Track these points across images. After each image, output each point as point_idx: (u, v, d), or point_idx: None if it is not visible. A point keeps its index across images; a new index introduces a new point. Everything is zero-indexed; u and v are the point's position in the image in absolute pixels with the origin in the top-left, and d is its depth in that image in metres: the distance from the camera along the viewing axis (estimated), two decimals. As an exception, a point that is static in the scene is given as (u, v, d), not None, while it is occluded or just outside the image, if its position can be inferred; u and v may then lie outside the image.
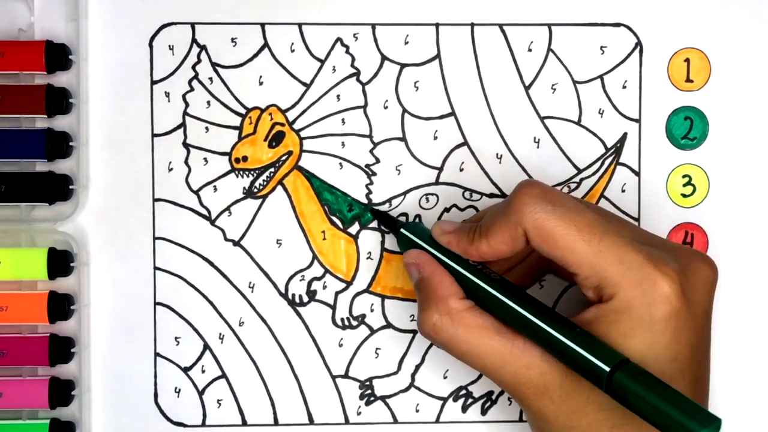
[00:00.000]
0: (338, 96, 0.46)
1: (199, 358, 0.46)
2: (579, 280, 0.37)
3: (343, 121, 0.46)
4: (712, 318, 0.39)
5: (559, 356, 0.36)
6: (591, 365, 0.35)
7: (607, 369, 0.34)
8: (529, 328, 0.37)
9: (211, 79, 0.46)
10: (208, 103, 0.46)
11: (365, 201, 0.46)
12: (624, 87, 0.46)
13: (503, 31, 0.46)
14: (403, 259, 0.42)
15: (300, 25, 0.46)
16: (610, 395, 0.35)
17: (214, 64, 0.46)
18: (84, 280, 0.45)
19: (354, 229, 0.46)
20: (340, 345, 0.46)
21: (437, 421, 0.46)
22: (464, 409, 0.46)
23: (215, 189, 0.46)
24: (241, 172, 0.46)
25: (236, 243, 0.46)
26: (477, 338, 0.38)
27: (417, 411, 0.46)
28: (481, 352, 0.38)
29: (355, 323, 0.46)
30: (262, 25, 0.46)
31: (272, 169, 0.46)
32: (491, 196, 0.46)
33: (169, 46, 0.46)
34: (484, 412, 0.46)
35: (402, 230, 0.43)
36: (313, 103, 0.46)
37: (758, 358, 0.46)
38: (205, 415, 0.46)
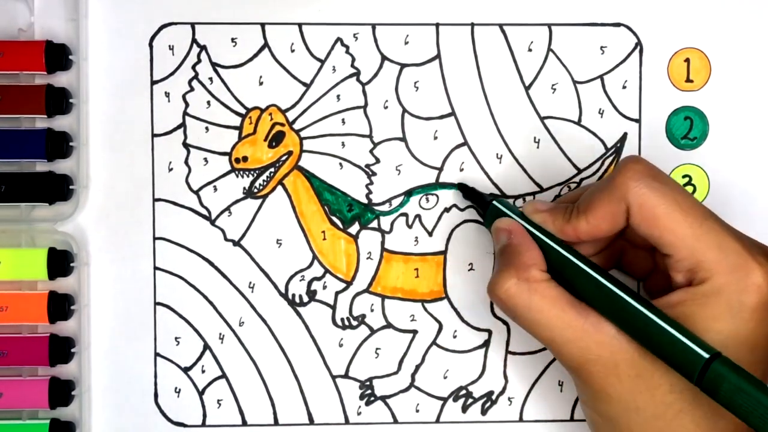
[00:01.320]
0: (338, 96, 0.46)
1: (199, 358, 0.46)
2: (672, 261, 0.37)
3: (343, 121, 0.46)
4: None
5: (642, 339, 0.36)
6: (687, 352, 0.35)
7: (706, 356, 0.34)
8: (618, 307, 0.37)
9: (211, 79, 0.46)
10: (208, 103, 0.46)
11: (365, 201, 0.46)
12: (624, 87, 0.46)
13: (503, 31, 0.46)
14: (493, 226, 0.41)
15: (300, 25, 0.46)
16: (697, 385, 0.34)
17: (214, 64, 0.46)
18: (84, 280, 0.45)
19: (354, 229, 0.46)
20: (340, 345, 0.46)
21: (437, 421, 0.46)
22: (464, 409, 0.46)
23: (215, 189, 0.46)
24: (241, 172, 0.46)
25: (236, 243, 0.46)
26: (551, 309, 0.37)
27: (417, 411, 0.46)
28: (552, 324, 0.37)
29: (355, 323, 0.46)
30: (262, 25, 0.46)
31: (272, 169, 0.46)
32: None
33: (169, 46, 0.46)
34: (484, 412, 0.46)
35: (494, 202, 0.42)
36: (313, 103, 0.46)
37: None
38: (205, 415, 0.46)
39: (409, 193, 0.46)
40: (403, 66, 0.46)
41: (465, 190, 0.45)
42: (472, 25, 0.46)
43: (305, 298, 0.46)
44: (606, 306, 0.37)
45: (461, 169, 0.46)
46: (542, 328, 0.38)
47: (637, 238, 0.41)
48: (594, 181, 0.46)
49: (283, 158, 0.46)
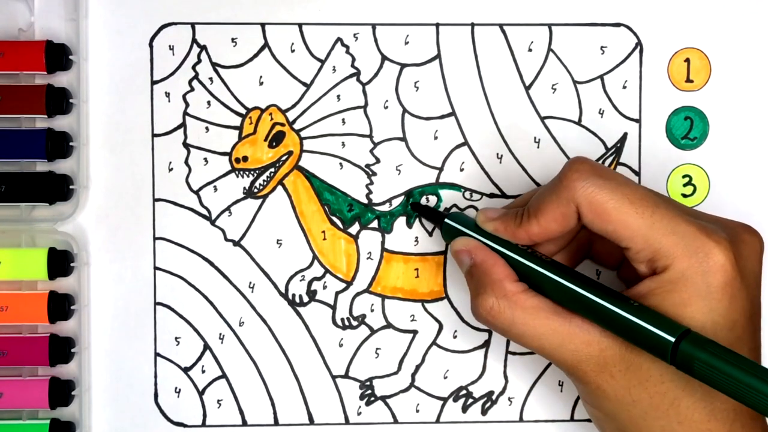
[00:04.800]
0: (338, 96, 0.46)
1: (199, 358, 0.46)
2: (631, 254, 0.37)
3: (343, 121, 0.46)
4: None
5: (618, 332, 0.36)
6: (654, 337, 0.35)
7: (672, 339, 0.34)
8: (587, 306, 0.37)
9: (211, 79, 0.46)
10: (209, 103, 0.46)
11: (365, 201, 0.46)
12: (624, 87, 0.46)
13: (503, 31, 0.46)
14: (450, 249, 0.41)
15: (300, 25, 0.46)
16: (675, 366, 0.35)
17: (214, 64, 0.46)
18: (84, 280, 0.45)
19: (354, 229, 0.46)
20: (341, 345, 0.46)
21: (437, 421, 0.46)
22: (464, 409, 0.46)
23: (215, 189, 0.46)
24: (242, 172, 0.46)
25: (236, 243, 0.46)
26: (535, 319, 0.38)
27: (417, 411, 0.46)
28: (539, 333, 0.38)
29: (355, 323, 0.46)
30: (262, 25, 0.46)
31: (272, 169, 0.46)
32: (491, 196, 0.46)
33: (170, 46, 0.46)
34: (484, 412, 0.46)
35: (446, 220, 0.42)
36: (314, 103, 0.46)
37: None
38: (205, 415, 0.46)
39: (409, 194, 0.46)
40: (403, 66, 0.46)
41: (417, 208, 0.45)
42: (472, 25, 0.46)
43: (305, 298, 0.46)
44: (577, 306, 0.38)
45: (461, 169, 0.46)
46: (530, 338, 0.38)
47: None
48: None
49: (283, 158, 0.46)
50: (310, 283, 0.46)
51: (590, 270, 0.46)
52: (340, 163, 0.46)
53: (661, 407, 0.37)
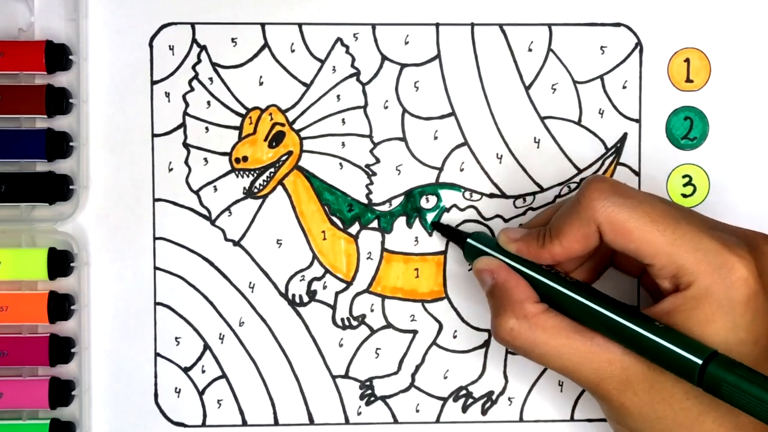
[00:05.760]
0: (338, 96, 0.46)
1: (199, 358, 0.46)
2: (654, 270, 0.37)
3: (343, 121, 0.46)
4: None
5: (644, 353, 0.36)
6: (681, 360, 0.35)
7: (700, 362, 0.34)
8: (610, 327, 0.37)
9: (211, 79, 0.46)
10: (208, 103, 0.46)
11: (365, 201, 0.46)
12: (624, 87, 0.46)
13: (503, 31, 0.46)
14: (473, 267, 0.42)
15: (300, 25, 0.46)
16: (702, 388, 0.35)
17: (214, 64, 0.46)
18: (84, 280, 0.45)
19: (354, 229, 0.46)
20: (340, 345, 0.46)
21: (437, 421, 0.46)
22: (464, 409, 0.46)
23: (215, 189, 0.46)
24: (242, 172, 0.46)
25: (236, 243, 0.46)
26: (556, 339, 0.38)
27: (417, 411, 0.46)
28: (561, 353, 0.38)
29: (355, 323, 0.46)
30: (262, 25, 0.46)
31: (272, 169, 0.46)
32: (491, 196, 0.46)
33: (170, 46, 0.46)
34: (484, 412, 0.46)
35: (468, 240, 0.43)
36: (313, 103, 0.46)
37: None
38: (205, 415, 0.46)
39: (409, 194, 0.46)
40: (403, 66, 0.46)
41: (440, 228, 0.45)
42: (472, 25, 0.46)
43: (305, 298, 0.46)
44: (599, 326, 0.38)
45: (461, 169, 0.46)
46: (552, 358, 0.38)
47: None
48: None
49: (283, 158, 0.46)
50: (310, 283, 0.46)
51: (612, 276, 0.45)
52: (340, 163, 0.46)
53: (685, 423, 0.37)
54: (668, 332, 0.36)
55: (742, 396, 0.33)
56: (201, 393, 0.46)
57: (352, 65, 0.46)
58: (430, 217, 0.46)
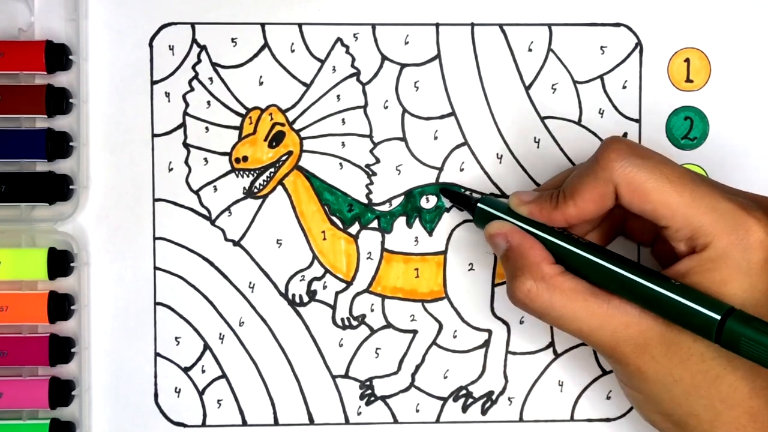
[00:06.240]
0: (338, 96, 0.46)
1: (199, 358, 0.46)
2: (670, 232, 0.37)
3: (343, 121, 0.46)
4: None
5: (661, 312, 0.36)
6: (699, 316, 0.35)
7: (718, 317, 0.34)
8: (628, 287, 0.37)
9: (211, 79, 0.46)
10: (209, 103, 0.46)
11: (365, 201, 0.46)
12: (624, 87, 0.46)
13: (503, 31, 0.46)
14: (485, 232, 0.41)
15: (300, 25, 0.46)
16: (720, 345, 0.35)
17: (214, 64, 0.46)
18: (84, 280, 0.45)
19: (354, 229, 0.46)
20: (340, 345, 0.46)
21: (437, 421, 0.46)
22: (464, 409, 0.46)
23: (215, 189, 0.46)
24: (242, 172, 0.46)
25: (236, 243, 0.46)
26: (573, 301, 0.38)
27: (417, 411, 0.46)
28: (578, 315, 0.38)
29: (355, 323, 0.46)
30: (262, 25, 0.46)
31: (272, 169, 0.46)
32: (491, 195, 0.46)
33: (170, 46, 0.46)
34: (484, 412, 0.46)
35: (479, 205, 0.42)
36: (313, 103, 0.46)
37: None
38: (205, 415, 0.46)
39: (409, 194, 0.46)
40: (403, 66, 0.46)
41: (448, 194, 0.45)
42: (472, 25, 0.46)
43: (305, 298, 0.46)
44: (617, 287, 0.37)
45: (461, 169, 0.46)
46: (568, 321, 0.38)
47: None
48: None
49: (283, 158, 0.46)
50: (310, 283, 0.46)
51: (623, 246, 0.45)
52: (340, 163, 0.46)
53: (703, 385, 0.37)
54: (685, 289, 0.36)
55: (760, 350, 0.33)
56: (201, 393, 0.46)
57: (352, 65, 0.46)
58: (428, 216, 0.46)
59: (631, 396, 0.40)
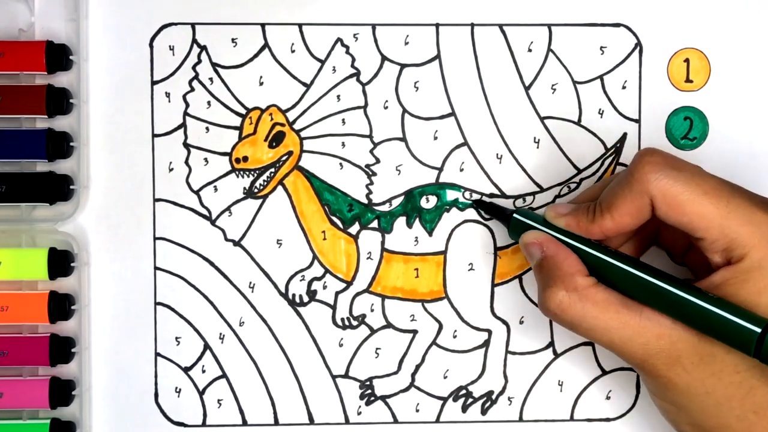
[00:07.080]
0: (338, 96, 0.46)
1: (200, 358, 0.46)
2: (705, 244, 0.37)
3: (343, 121, 0.46)
4: None
5: (695, 323, 0.36)
6: (738, 329, 0.35)
7: (758, 330, 0.34)
8: (664, 299, 0.37)
9: (211, 79, 0.46)
10: (209, 103, 0.46)
11: (365, 201, 0.46)
12: (624, 87, 0.46)
13: (503, 32, 0.46)
14: (521, 241, 0.41)
15: (300, 25, 0.46)
16: (759, 359, 0.35)
17: (214, 65, 0.46)
18: (84, 280, 0.45)
19: (354, 229, 0.46)
20: (341, 345, 0.46)
21: (437, 421, 0.46)
22: (464, 409, 0.46)
23: (215, 189, 0.46)
24: (242, 173, 0.46)
25: (236, 243, 0.46)
26: (605, 312, 0.38)
27: (417, 411, 0.46)
28: (609, 326, 0.38)
29: (355, 323, 0.46)
30: (262, 25, 0.46)
31: (272, 170, 0.46)
32: (491, 196, 0.46)
33: (170, 46, 0.46)
34: (484, 412, 0.46)
35: (515, 215, 0.42)
36: (314, 104, 0.46)
37: None
38: (205, 415, 0.46)
39: (409, 194, 0.46)
40: (403, 66, 0.46)
41: (482, 205, 0.45)
42: (472, 25, 0.46)
43: (305, 298, 0.46)
44: (651, 298, 0.37)
45: (461, 169, 0.46)
46: (600, 332, 0.38)
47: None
48: (593, 181, 0.46)
49: (284, 158, 0.46)
50: (310, 283, 0.46)
51: (652, 258, 0.45)
52: (340, 163, 0.46)
53: (736, 397, 0.37)
54: (723, 303, 0.36)
55: None
56: (201, 393, 0.46)
57: (352, 65, 0.46)
58: (428, 216, 0.46)
59: (662, 407, 0.40)
